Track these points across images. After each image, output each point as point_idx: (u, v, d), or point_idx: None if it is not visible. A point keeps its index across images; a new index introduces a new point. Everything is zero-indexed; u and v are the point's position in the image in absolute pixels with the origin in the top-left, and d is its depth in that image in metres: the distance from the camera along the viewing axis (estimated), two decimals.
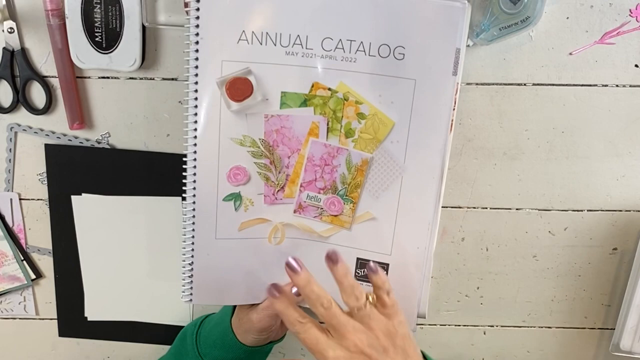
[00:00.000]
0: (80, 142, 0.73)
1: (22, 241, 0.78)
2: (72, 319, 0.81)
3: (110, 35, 0.67)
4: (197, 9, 0.59)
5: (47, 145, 0.73)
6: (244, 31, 0.59)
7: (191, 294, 0.67)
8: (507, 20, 0.65)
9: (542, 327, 0.82)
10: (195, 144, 0.62)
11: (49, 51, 0.69)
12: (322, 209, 0.64)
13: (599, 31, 0.68)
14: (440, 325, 0.82)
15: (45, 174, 0.75)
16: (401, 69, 0.60)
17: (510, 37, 0.66)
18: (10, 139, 0.73)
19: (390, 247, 0.64)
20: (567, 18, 0.68)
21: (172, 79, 0.71)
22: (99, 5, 0.66)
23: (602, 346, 0.83)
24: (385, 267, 0.64)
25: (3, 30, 0.68)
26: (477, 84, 0.70)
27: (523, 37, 0.68)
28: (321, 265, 0.60)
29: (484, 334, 0.82)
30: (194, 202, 0.63)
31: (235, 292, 0.67)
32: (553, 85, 0.70)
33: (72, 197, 0.76)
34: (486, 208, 0.76)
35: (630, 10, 0.67)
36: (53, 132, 0.73)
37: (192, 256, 0.65)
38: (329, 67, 0.60)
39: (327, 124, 0.62)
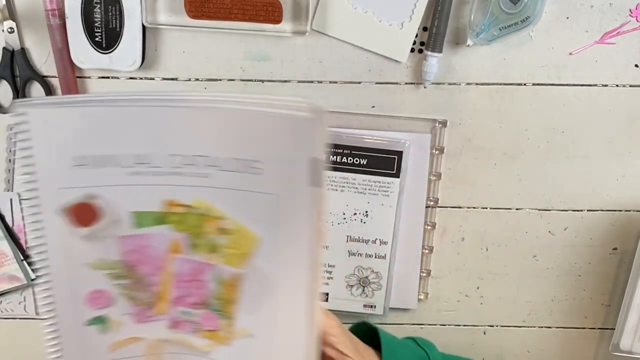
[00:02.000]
0: None
1: (22, 241, 0.78)
2: None
3: (110, 35, 0.67)
4: (26, 140, 0.55)
5: None
6: (78, 156, 0.56)
7: None
8: (507, 20, 0.65)
9: (542, 327, 0.82)
10: (47, 274, 0.58)
11: (49, 51, 0.69)
12: (197, 323, 0.61)
13: (599, 31, 0.68)
14: (440, 325, 0.82)
15: None
16: (259, 184, 0.56)
17: (510, 37, 0.66)
18: (11, 139, 0.73)
19: None
20: (567, 18, 0.68)
21: (172, 79, 0.71)
22: (99, 5, 0.66)
23: (602, 346, 0.83)
24: None
25: (3, 30, 0.68)
26: (477, 84, 0.70)
27: (523, 37, 0.68)
28: None
29: (484, 334, 0.82)
30: (55, 330, 0.60)
31: None
32: (553, 85, 0.70)
33: None
34: (486, 208, 0.76)
35: (630, 10, 0.67)
36: None
37: None
38: (180, 184, 0.57)
39: (189, 240, 0.59)
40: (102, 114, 0.56)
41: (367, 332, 0.65)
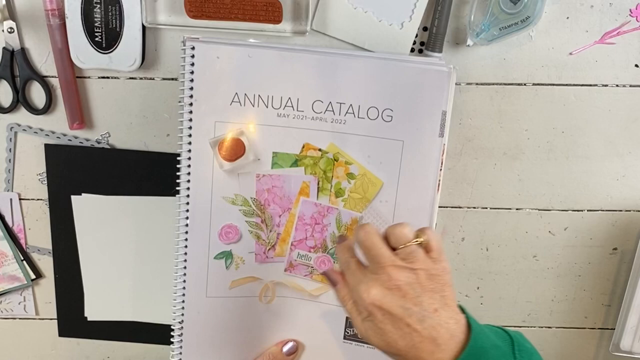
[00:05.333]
0: (80, 142, 0.73)
1: (22, 241, 0.78)
2: (72, 319, 0.81)
3: (110, 35, 0.67)
4: (192, 72, 0.60)
5: (47, 145, 0.73)
6: (236, 93, 0.60)
7: (180, 352, 0.66)
8: (507, 20, 0.65)
9: (542, 327, 0.82)
10: (187, 203, 0.62)
11: (49, 51, 0.69)
12: (312, 267, 0.64)
13: (599, 31, 0.68)
14: None
15: (45, 174, 0.75)
16: (389, 131, 0.61)
17: (510, 37, 0.66)
18: (10, 139, 0.73)
19: None
20: (567, 18, 0.68)
21: (172, 79, 0.71)
22: (99, 5, 0.66)
23: (602, 346, 0.83)
24: None
25: (3, 30, 0.68)
26: (477, 84, 0.70)
27: (523, 37, 0.68)
28: (310, 324, 0.63)
29: None
30: (185, 260, 0.64)
31: (225, 351, 0.67)
32: (553, 85, 0.70)
33: (72, 197, 0.76)
34: (486, 208, 0.76)
35: (630, 10, 0.67)
36: (53, 132, 0.73)
37: (182, 314, 0.65)
38: (319, 129, 0.62)
39: (318, 184, 0.63)
40: (264, 56, 0.60)
41: None
